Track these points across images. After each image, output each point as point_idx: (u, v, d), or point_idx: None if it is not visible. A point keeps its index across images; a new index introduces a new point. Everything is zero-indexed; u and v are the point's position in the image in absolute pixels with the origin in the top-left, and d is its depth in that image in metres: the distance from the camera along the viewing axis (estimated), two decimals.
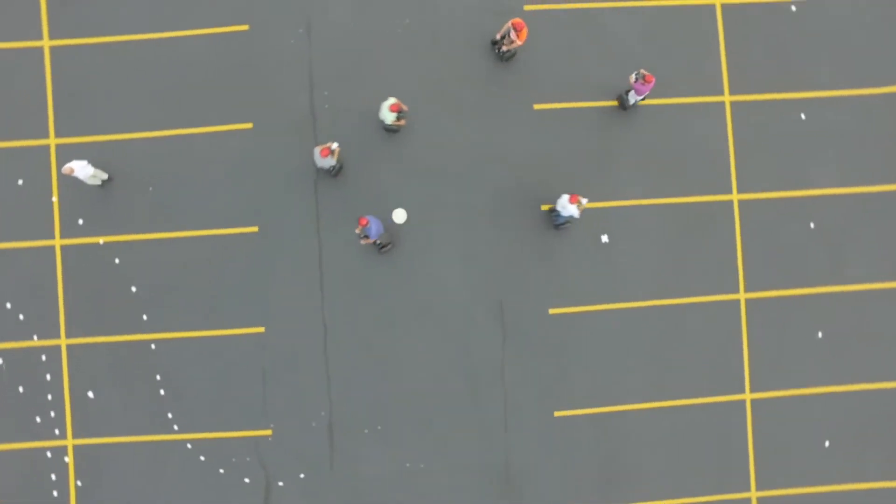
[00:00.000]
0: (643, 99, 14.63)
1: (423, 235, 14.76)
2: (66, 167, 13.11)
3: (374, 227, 13.44)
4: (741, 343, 14.92)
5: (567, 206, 13.46)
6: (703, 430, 14.81)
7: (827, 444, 14.91)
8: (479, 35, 15.01)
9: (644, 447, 14.75)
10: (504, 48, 14.25)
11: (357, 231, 13.41)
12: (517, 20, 13.44)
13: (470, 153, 14.88)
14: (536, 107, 14.99)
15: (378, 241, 14.20)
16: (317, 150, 13.36)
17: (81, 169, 13.32)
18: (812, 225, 15.09)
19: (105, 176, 14.37)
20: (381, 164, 14.83)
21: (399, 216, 14.77)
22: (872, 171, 15.19)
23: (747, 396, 14.90)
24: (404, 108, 13.54)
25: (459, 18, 15.03)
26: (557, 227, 14.64)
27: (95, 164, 14.53)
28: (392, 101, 13.40)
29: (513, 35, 13.67)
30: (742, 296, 14.97)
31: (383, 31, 14.99)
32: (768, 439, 14.86)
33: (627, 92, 14.50)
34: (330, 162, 13.52)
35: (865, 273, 15.08)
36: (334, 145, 13.35)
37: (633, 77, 13.73)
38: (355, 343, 14.65)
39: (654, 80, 13.59)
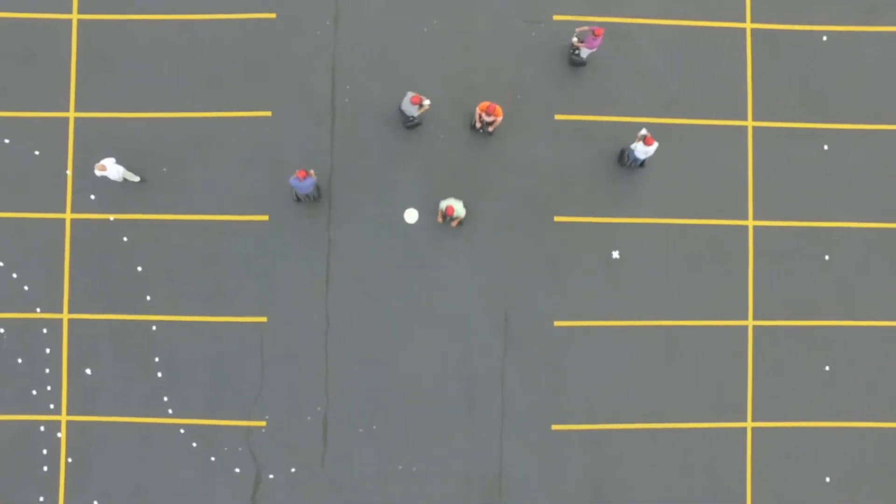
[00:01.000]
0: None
1: (432, 238, 14.66)
2: (99, 165, 13.13)
3: (308, 183, 13.34)
4: (746, 371, 14.72)
5: (649, 150, 13.54)
6: (701, 455, 14.60)
7: (828, 479, 14.67)
8: (505, 41, 14.95)
9: (640, 468, 14.55)
10: (490, 129, 14.18)
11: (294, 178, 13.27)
12: (484, 105, 13.45)
13: (486, 158, 14.79)
14: (557, 117, 14.90)
15: (297, 194, 14.11)
16: (409, 94, 13.40)
17: (112, 166, 13.29)
18: (827, 257, 14.90)
19: (136, 178, 14.38)
20: (397, 163, 14.76)
21: (410, 216, 14.68)
22: (892, 208, 15.00)
23: (748, 425, 14.69)
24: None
25: (487, 23, 14.98)
26: (641, 165, 14.58)
27: (111, 142, 14.54)
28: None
29: (488, 118, 13.66)
30: (750, 322, 14.78)
31: (410, 30, 14.95)
32: (767, 470, 14.63)
33: (575, 52, 14.39)
34: (414, 111, 13.58)
35: (877, 310, 14.87)
36: (426, 102, 13.40)
37: (575, 39, 13.85)
38: (356, 341, 14.54)
39: (602, 31, 13.53)
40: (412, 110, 13.68)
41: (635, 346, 14.69)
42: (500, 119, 13.71)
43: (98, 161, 14.38)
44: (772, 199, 14.94)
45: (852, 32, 15.23)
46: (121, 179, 13.87)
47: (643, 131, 13.58)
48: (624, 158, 14.46)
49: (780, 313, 14.81)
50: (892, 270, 14.94)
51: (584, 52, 14.27)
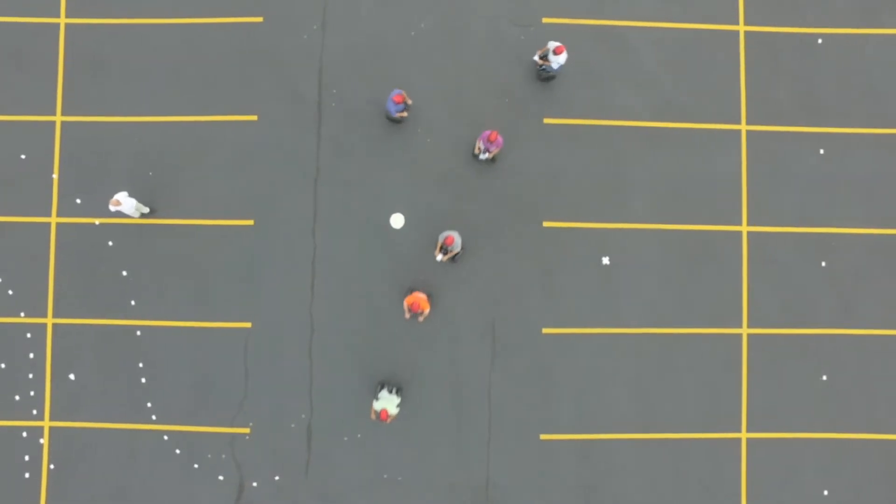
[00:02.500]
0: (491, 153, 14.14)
1: (419, 244, 14.46)
2: (113, 200, 13.06)
3: (398, 108, 13.56)
4: (740, 380, 14.36)
5: (563, 57, 13.38)
6: (693, 467, 14.23)
7: (826, 493, 14.25)
8: (494, 43, 14.79)
9: (630, 479, 14.19)
10: (420, 319, 13.60)
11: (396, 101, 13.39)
12: (409, 299, 13.06)
13: (474, 162, 14.58)
14: (546, 121, 14.69)
15: (387, 114, 14.10)
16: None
17: (126, 200, 13.26)
18: (823, 264, 14.55)
19: (146, 210, 14.31)
20: (384, 167, 14.59)
21: (396, 221, 14.49)
22: (891, 214, 14.65)
23: (743, 436, 14.31)
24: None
25: (476, 26, 14.83)
26: (547, 79, 14.42)
27: (97, 146, 14.50)
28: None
29: (416, 311, 13.28)
30: (744, 331, 14.43)
31: (398, 34, 14.83)
32: (763, 483, 14.23)
33: (477, 155, 14.22)
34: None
35: (876, 318, 14.49)
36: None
37: (480, 146, 13.76)
38: (341, 347, 14.32)
39: (496, 134, 13.29)
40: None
41: (626, 354, 14.37)
42: (427, 310, 13.30)
43: (112, 197, 14.33)
44: (766, 204, 14.62)
45: (847, 35, 14.95)
46: (136, 212, 13.72)
47: (537, 57, 13.57)
48: (542, 74, 14.30)
49: (775, 321, 14.46)
50: (889, 277, 14.56)
51: (483, 156, 14.08)
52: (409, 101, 13.84)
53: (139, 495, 14.18)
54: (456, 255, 13.86)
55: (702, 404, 14.32)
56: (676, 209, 14.61)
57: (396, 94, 13.34)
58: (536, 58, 13.93)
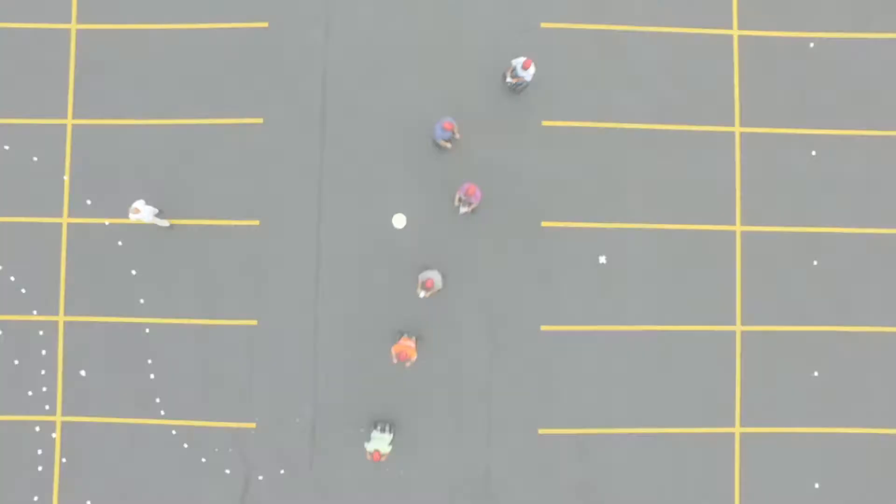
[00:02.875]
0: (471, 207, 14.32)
1: (420, 244, 14.81)
2: (133, 208, 13.36)
3: (446, 135, 13.69)
4: (734, 376, 14.70)
5: (529, 71, 13.72)
6: (688, 461, 14.57)
7: (817, 486, 14.57)
8: (494, 47, 15.13)
9: (628, 473, 14.54)
10: (407, 366, 13.67)
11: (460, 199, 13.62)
12: (398, 348, 13.16)
13: (473, 164, 14.93)
14: (545, 123, 15.04)
15: (434, 139, 14.31)
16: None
17: (144, 207, 13.58)
18: (815, 262, 14.87)
19: (166, 223, 14.67)
20: (386, 168, 14.94)
21: (398, 221, 14.84)
22: (881, 214, 14.96)
23: (737, 430, 14.64)
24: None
25: (476, 31, 15.17)
26: (519, 91, 14.83)
27: (107, 148, 14.88)
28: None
29: (402, 360, 13.30)
30: (738, 328, 14.76)
31: (401, 39, 15.17)
32: (756, 476, 14.56)
33: (458, 206, 14.44)
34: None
35: (866, 316, 14.80)
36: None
37: (458, 199, 13.95)
38: (345, 345, 14.68)
39: (474, 189, 13.42)
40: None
41: (622, 351, 14.71)
42: (414, 358, 13.36)
43: (131, 205, 14.46)
44: (759, 205, 14.95)
45: (839, 39, 15.26)
46: (153, 220, 14.10)
47: (509, 78, 14.00)
48: (517, 88, 14.69)
49: (768, 318, 14.78)
50: (880, 276, 14.88)
51: (462, 209, 14.33)
52: (458, 136, 13.84)
53: (148, 488, 14.57)
54: (438, 290, 13.97)
55: (697, 400, 14.66)
56: (672, 209, 14.94)
57: (447, 122, 13.43)
58: (508, 78, 14.24)
